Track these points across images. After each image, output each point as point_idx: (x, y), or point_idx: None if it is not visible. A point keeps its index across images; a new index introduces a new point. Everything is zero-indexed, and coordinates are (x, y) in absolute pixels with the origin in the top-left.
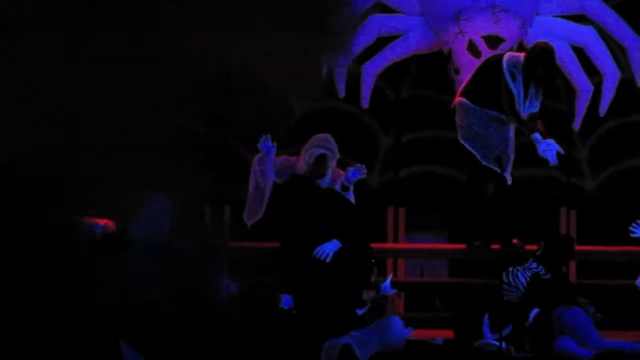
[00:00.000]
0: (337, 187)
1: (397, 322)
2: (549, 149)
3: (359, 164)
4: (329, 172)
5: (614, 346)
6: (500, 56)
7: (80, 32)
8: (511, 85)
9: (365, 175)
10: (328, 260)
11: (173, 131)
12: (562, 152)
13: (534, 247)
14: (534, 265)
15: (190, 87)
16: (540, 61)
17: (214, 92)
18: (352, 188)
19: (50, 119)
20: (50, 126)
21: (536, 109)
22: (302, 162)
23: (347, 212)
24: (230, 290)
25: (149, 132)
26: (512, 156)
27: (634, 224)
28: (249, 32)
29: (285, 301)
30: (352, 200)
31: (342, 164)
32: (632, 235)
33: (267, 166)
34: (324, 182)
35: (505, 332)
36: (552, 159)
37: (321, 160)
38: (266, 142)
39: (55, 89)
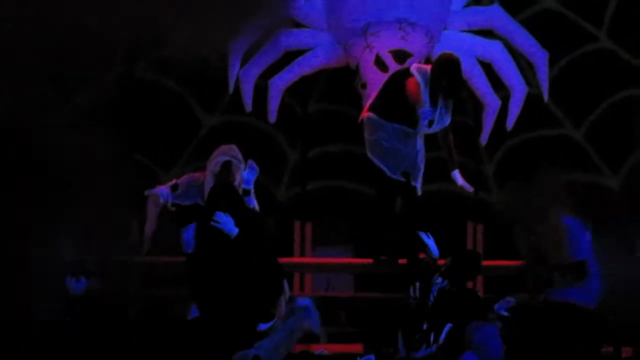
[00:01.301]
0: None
1: (308, 307)
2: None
3: (250, 162)
4: (236, 181)
5: None
6: (407, 69)
7: None
8: (423, 93)
9: (258, 172)
10: (219, 225)
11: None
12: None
13: (442, 261)
14: (439, 280)
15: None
16: (447, 72)
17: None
18: (252, 191)
19: None
20: None
21: (447, 123)
22: (209, 174)
23: (256, 226)
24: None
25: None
26: (421, 168)
27: None
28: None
29: (194, 312)
30: (255, 204)
31: None
32: None
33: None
34: None
35: (422, 354)
36: (464, 184)
37: (227, 168)
38: (164, 191)
39: None
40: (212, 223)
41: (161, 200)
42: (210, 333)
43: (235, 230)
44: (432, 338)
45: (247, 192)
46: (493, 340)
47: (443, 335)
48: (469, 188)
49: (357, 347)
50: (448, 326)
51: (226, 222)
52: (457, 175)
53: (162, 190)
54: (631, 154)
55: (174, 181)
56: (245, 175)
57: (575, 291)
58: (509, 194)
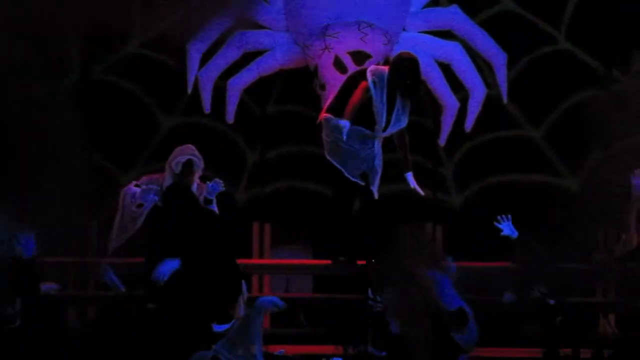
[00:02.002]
0: (201, 201)
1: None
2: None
3: (217, 179)
4: (195, 181)
5: None
6: (364, 70)
7: None
8: (372, 91)
9: (224, 189)
10: (164, 280)
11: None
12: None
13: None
14: None
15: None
16: (405, 72)
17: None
18: (215, 201)
19: None
20: None
21: (404, 125)
22: (168, 175)
23: (214, 228)
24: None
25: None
26: (379, 170)
27: (500, 218)
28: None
29: (152, 313)
30: (216, 211)
31: (207, 180)
32: (501, 234)
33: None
34: None
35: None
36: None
37: (189, 167)
38: (149, 194)
39: None
40: (157, 279)
41: (132, 200)
42: (167, 334)
43: (174, 265)
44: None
45: (208, 201)
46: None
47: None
48: (421, 192)
49: (316, 348)
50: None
51: (165, 272)
52: (410, 177)
53: (134, 190)
54: (590, 154)
55: (133, 183)
56: (210, 186)
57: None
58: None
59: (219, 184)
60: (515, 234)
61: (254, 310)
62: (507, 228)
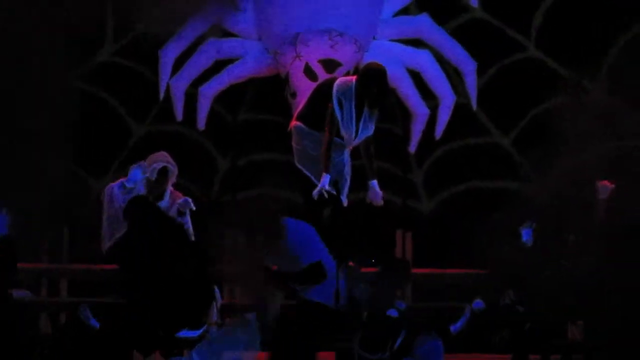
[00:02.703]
0: (174, 210)
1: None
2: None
3: (188, 199)
4: (169, 188)
5: None
6: (332, 80)
7: None
8: (337, 111)
9: (194, 208)
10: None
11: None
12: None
13: (372, 269)
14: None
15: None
16: (372, 81)
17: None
18: (188, 212)
19: None
20: None
21: (370, 132)
22: (143, 182)
23: (182, 238)
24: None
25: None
26: (348, 178)
27: (523, 229)
28: None
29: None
30: (189, 224)
31: (180, 188)
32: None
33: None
34: (163, 203)
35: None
36: (377, 198)
37: (164, 174)
38: (137, 171)
39: None
40: None
41: (111, 200)
42: (139, 340)
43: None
44: (389, 344)
45: (182, 213)
46: (436, 355)
47: (398, 343)
48: (380, 202)
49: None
50: (403, 334)
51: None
52: (374, 185)
53: (113, 189)
54: (558, 160)
55: (119, 181)
56: (182, 201)
57: (316, 291)
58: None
59: (190, 204)
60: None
61: (240, 320)
62: (526, 235)
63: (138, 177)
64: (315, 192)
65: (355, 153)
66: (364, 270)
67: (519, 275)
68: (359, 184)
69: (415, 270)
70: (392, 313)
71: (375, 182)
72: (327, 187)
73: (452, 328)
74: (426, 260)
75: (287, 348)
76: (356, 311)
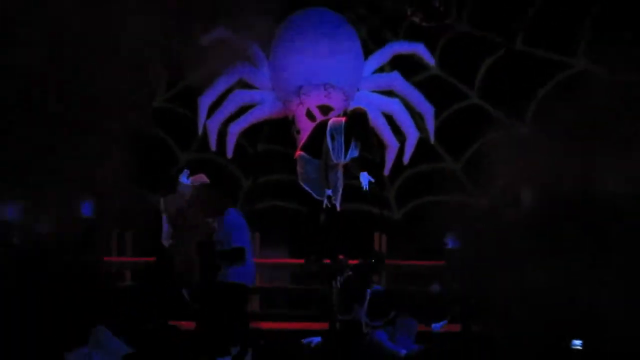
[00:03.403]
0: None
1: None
2: (363, 178)
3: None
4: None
5: (419, 349)
6: (327, 121)
7: None
8: (329, 144)
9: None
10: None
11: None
12: (372, 180)
13: (356, 261)
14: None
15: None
16: (357, 122)
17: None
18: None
19: None
20: None
21: (356, 155)
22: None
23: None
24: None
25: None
26: (340, 190)
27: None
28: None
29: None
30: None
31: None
32: (446, 247)
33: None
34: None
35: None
36: (365, 185)
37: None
38: (184, 177)
39: None
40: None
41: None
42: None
43: None
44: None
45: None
46: (412, 325)
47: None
48: (366, 186)
49: (294, 325)
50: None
51: None
52: (363, 175)
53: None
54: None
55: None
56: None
57: (234, 271)
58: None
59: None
60: (457, 245)
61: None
62: (451, 242)
63: (185, 181)
64: (325, 200)
65: (345, 172)
66: (350, 262)
67: (454, 268)
68: (350, 197)
69: (388, 262)
70: (378, 288)
71: (364, 173)
72: (330, 194)
73: (433, 327)
74: (397, 254)
75: (208, 320)
76: (352, 293)
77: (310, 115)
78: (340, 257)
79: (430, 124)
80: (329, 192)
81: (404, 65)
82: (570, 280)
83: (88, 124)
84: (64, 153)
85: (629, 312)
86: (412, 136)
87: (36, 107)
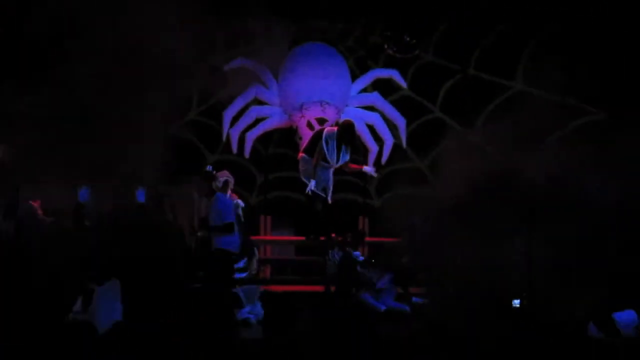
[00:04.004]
0: (240, 202)
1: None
2: (371, 171)
3: (239, 201)
4: (229, 192)
5: (398, 306)
6: (322, 130)
7: None
8: (324, 148)
9: (244, 206)
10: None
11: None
12: (374, 174)
13: (341, 238)
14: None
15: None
16: (347, 130)
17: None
18: (241, 208)
19: None
20: None
21: (347, 158)
22: (213, 186)
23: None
24: None
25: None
26: (331, 187)
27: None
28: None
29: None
30: (241, 210)
31: (235, 192)
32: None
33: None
34: (228, 200)
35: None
36: (373, 173)
37: (226, 183)
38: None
39: None
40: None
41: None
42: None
43: None
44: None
45: (237, 206)
46: (390, 290)
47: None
48: (373, 174)
49: (299, 287)
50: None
51: None
52: (367, 168)
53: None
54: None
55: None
56: (237, 201)
57: (224, 240)
58: None
59: (241, 203)
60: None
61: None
62: (416, 222)
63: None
64: (308, 189)
65: (336, 171)
66: (339, 239)
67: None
68: (339, 189)
69: (367, 239)
70: (357, 254)
71: (368, 167)
72: (313, 188)
73: (414, 299)
74: (376, 233)
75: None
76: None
77: (309, 126)
78: (332, 235)
79: (403, 133)
80: (312, 183)
81: (383, 86)
82: (506, 250)
83: (142, 131)
84: (121, 153)
85: (554, 275)
86: (389, 142)
87: (104, 117)
